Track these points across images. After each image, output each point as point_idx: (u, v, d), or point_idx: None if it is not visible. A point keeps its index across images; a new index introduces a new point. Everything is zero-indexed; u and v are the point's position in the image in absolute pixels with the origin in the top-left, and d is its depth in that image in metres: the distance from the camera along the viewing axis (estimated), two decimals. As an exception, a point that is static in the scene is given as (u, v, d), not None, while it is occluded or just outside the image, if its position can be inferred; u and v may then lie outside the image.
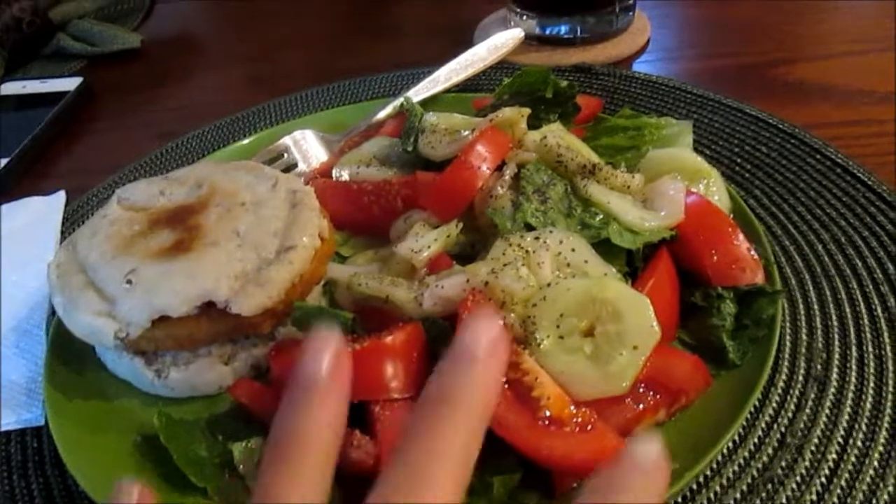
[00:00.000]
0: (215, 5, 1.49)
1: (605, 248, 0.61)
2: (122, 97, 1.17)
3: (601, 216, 0.63)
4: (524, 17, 1.10)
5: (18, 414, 0.65)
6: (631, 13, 1.11)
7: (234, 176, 0.67)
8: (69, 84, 1.15)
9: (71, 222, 0.88)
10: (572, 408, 0.51)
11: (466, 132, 0.71)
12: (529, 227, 0.62)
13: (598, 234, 0.61)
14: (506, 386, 0.51)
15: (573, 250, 0.59)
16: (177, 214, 0.63)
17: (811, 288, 0.66)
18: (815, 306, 0.65)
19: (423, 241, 0.62)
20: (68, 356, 0.64)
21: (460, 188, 0.66)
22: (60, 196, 0.91)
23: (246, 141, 0.87)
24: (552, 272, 0.58)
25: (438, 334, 0.55)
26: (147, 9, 1.40)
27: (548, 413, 0.50)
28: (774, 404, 0.58)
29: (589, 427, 0.50)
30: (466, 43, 1.11)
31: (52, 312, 0.70)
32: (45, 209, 0.88)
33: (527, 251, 0.58)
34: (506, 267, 0.57)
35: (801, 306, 0.65)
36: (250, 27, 1.36)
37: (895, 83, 0.93)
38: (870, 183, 0.76)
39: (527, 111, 0.72)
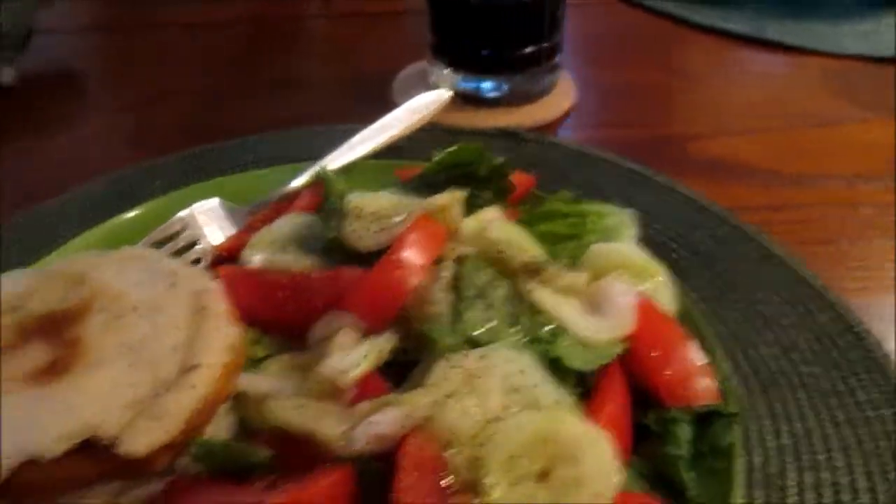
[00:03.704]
0: (103, 40, 1.35)
1: (554, 364, 0.55)
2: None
3: (549, 326, 0.57)
4: (445, 72, 1.05)
5: None
6: (556, 74, 1.07)
7: (122, 271, 0.57)
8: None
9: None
10: (529, 574, 0.44)
11: (397, 219, 0.64)
12: (469, 343, 0.55)
13: (548, 350, 0.55)
14: (452, 547, 0.44)
15: (522, 372, 0.52)
16: (52, 323, 0.53)
17: (759, 400, 0.63)
18: (766, 421, 0.61)
19: (351, 358, 0.54)
20: None
21: (391, 291, 0.58)
22: None
23: (133, 213, 0.76)
24: (500, 400, 0.51)
25: (371, 478, 0.48)
26: (24, 39, 1.24)
27: (501, 581, 0.44)
28: (734, 544, 0.53)
29: None
30: (380, 98, 1.05)
31: None
32: None
33: (472, 375, 0.52)
34: (449, 399, 0.50)
35: (753, 422, 0.61)
36: (140, 69, 1.24)
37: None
38: (806, 278, 0.74)
39: (462, 195, 0.66)
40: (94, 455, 0.48)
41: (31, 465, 0.47)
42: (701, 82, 1.15)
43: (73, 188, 0.86)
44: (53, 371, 0.50)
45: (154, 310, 0.54)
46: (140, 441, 0.48)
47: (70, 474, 0.48)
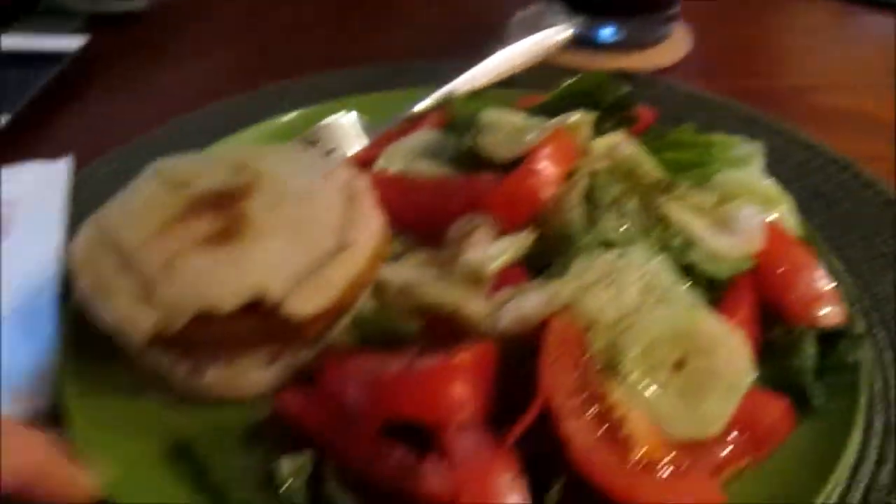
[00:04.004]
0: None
1: (686, 271, 0.57)
2: (125, 63, 1.08)
3: (679, 238, 0.59)
4: (561, 15, 1.06)
5: (22, 403, 0.58)
6: (673, 22, 1.07)
7: (280, 161, 0.61)
8: (67, 44, 1.05)
9: (78, 192, 0.80)
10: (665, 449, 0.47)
11: (531, 134, 0.66)
12: (605, 244, 0.57)
13: (681, 257, 0.57)
14: (590, 421, 0.47)
15: (659, 273, 0.54)
16: (220, 198, 0.57)
17: (881, 332, 0.63)
18: (887, 352, 0.62)
19: (493, 250, 0.57)
20: (87, 344, 0.57)
21: (529, 195, 0.61)
22: (66, 163, 0.83)
23: (287, 118, 0.81)
24: (637, 296, 0.53)
25: (513, 356, 0.51)
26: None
27: (638, 453, 0.46)
28: (854, 457, 0.54)
29: (682, 471, 0.46)
30: (495, 41, 1.07)
31: (65, 293, 0.63)
32: (49, 176, 0.80)
33: (610, 271, 0.54)
34: (590, 287, 0.52)
35: (874, 350, 0.62)
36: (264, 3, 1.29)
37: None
38: (928, 227, 0.74)
39: (592, 116, 0.68)
40: (259, 316, 0.53)
41: (203, 318, 0.51)
42: (818, 39, 1.13)
43: (211, 105, 0.92)
44: (225, 238, 0.54)
45: (311, 194, 0.58)
46: (303, 305, 0.52)
47: (236, 332, 0.53)
